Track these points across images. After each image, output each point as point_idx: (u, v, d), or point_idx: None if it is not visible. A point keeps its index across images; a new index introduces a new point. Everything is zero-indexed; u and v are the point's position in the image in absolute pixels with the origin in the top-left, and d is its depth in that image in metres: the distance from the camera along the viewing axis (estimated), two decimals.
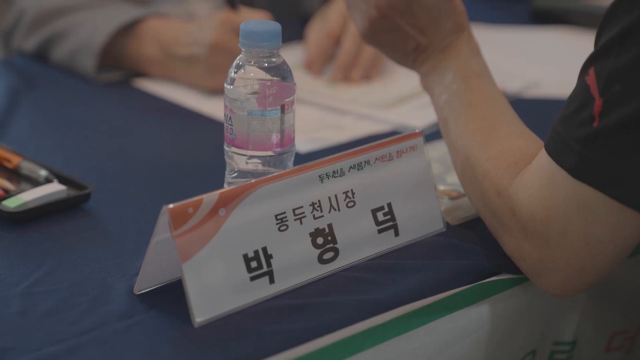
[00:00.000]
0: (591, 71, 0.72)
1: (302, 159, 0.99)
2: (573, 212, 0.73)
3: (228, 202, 0.75)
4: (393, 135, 0.89)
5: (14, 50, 1.36)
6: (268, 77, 0.86)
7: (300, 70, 1.33)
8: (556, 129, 0.75)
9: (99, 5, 1.31)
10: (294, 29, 1.44)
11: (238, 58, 0.87)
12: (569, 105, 0.75)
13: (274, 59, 0.86)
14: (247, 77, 0.86)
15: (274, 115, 0.86)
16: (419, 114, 1.20)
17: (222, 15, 1.24)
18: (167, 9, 1.55)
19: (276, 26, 0.86)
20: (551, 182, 0.74)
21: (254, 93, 0.86)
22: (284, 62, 0.87)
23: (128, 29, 1.28)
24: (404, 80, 1.28)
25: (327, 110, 1.22)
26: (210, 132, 1.13)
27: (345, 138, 1.13)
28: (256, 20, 0.87)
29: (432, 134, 1.09)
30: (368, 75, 1.31)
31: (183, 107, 1.21)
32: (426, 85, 0.97)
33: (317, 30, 1.36)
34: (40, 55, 1.33)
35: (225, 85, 0.87)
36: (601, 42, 0.72)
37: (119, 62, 1.30)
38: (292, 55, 1.32)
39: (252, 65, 0.86)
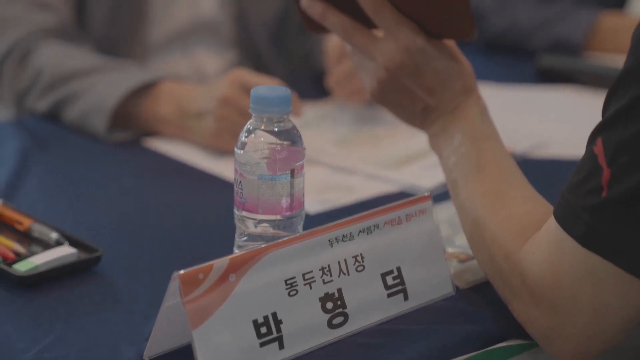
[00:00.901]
0: (599, 141, 0.73)
1: (311, 220, 1.00)
2: (582, 279, 0.73)
3: (238, 268, 0.76)
4: (402, 196, 0.89)
5: (26, 110, 1.38)
6: (278, 141, 0.87)
7: (308, 129, 1.34)
8: (565, 196, 0.75)
9: (115, 68, 1.34)
10: (306, 85, 1.46)
11: (249, 123, 0.88)
12: (577, 173, 0.75)
13: (284, 124, 0.87)
14: (257, 141, 0.87)
15: (283, 179, 0.87)
16: (428, 173, 1.20)
17: (232, 74, 1.27)
18: (174, 60, 1.58)
19: (286, 92, 0.87)
20: (560, 249, 0.75)
21: (264, 158, 0.87)
22: (293, 127, 0.88)
23: (143, 89, 1.30)
24: (411, 139, 1.29)
25: (336, 170, 1.23)
26: (220, 193, 1.14)
27: (354, 199, 1.13)
28: (267, 86, 0.88)
29: (441, 195, 1.09)
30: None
31: (193, 167, 1.22)
32: (435, 146, 0.98)
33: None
34: (52, 116, 1.35)
35: (236, 149, 0.88)
36: (609, 112, 0.73)
37: (131, 121, 1.31)
38: (306, 114, 1.34)
39: (262, 130, 0.87)
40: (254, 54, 1.62)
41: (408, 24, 0.94)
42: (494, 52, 1.72)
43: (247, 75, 1.27)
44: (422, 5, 0.94)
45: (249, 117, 1.22)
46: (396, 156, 1.26)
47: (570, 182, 0.76)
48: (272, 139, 0.87)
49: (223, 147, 1.25)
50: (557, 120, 1.40)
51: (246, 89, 1.24)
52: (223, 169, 1.21)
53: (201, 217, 1.09)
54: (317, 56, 1.61)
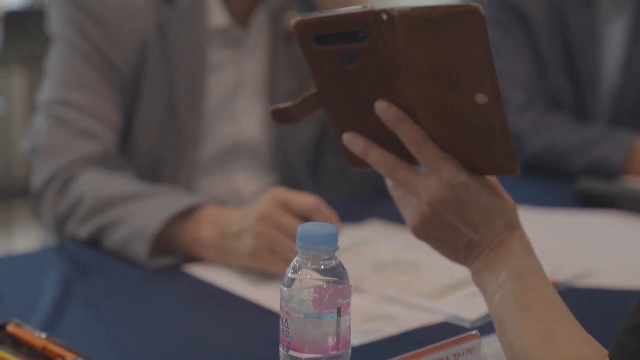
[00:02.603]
0: None
1: (354, 352, 0.98)
2: None
3: None
4: (445, 326, 0.88)
5: (67, 236, 1.39)
6: (324, 279, 0.86)
7: (346, 254, 1.33)
8: (621, 339, 0.74)
9: (155, 194, 1.35)
10: (342, 208, 1.46)
11: (295, 260, 0.88)
12: (633, 315, 0.74)
13: (330, 261, 0.87)
14: (303, 279, 0.86)
15: (330, 318, 0.86)
16: (470, 303, 1.19)
17: (270, 192, 1.27)
18: (214, 182, 1.59)
19: (333, 229, 0.87)
20: None
21: (311, 296, 0.86)
22: (340, 264, 0.88)
23: (183, 214, 1.31)
24: (452, 266, 1.27)
25: (376, 298, 1.22)
26: (260, 321, 1.13)
27: (397, 330, 1.12)
28: (313, 223, 0.88)
29: (485, 326, 1.08)
30: None
31: (233, 294, 1.22)
32: (478, 282, 0.97)
33: None
34: (94, 242, 1.35)
35: (282, 287, 0.87)
36: None
37: (171, 246, 1.32)
38: (344, 237, 1.33)
39: (308, 267, 0.87)
40: (291, 177, 1.64)
41: (450, 160, 0.95)
42: (531, 174, 1.73)
43: (285, 193, 1.27)
44: (463, 142, 0.94)
45: (287, 234, 1.24)
46: (438, 284, 1.25)
47: (626, 325, 0.74)
48: (319, 276, 0.86)
49: (262, 266, 1.24)
50: (599, 247, 1.39)
51: (284, 207, 1.24)
52: (264, 296, 1.20)
53: (243, 349, 1.07)
54: (353, 179, 1.62)
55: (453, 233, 0.96)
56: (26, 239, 4.11)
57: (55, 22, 1.50)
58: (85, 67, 1.46)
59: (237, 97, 1.59)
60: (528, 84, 1.79)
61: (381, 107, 0.96)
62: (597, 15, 1.78)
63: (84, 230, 1.35)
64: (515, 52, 1.79)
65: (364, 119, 0.98)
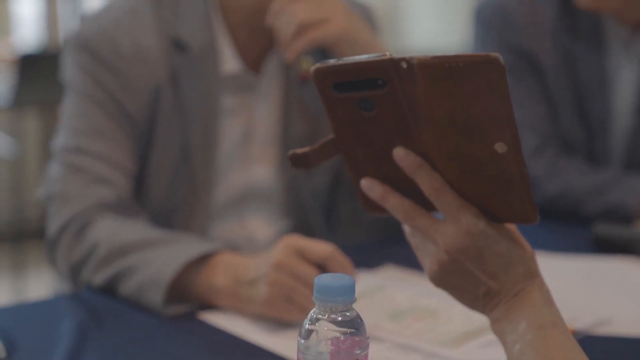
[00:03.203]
0: None
1: None
2: None
3: None
4: None
5: (83, 284, 1.39)
6: (342, 331, 0.86)
7: (361, 300, 1.32)
8: None
9: (169, 240, 1.35)
10: (356, 253, 1.46)
11: (312, 311, 0.87)
12: None
13: (347, 313, 0.86)
14: (321, 331, 0.86)
15: None
16: (488, 352, 1.17)
17: (286, 239, 1.27)
18: (227, 227, 1.59)
19: (350, 281, 0.87)
20: None
21: (328, 348, 0.85)
22: (357, 316, 0.87)
23: (198, 261, 1.30)
24: (469, 313, 1.26)
25: (393, 347, 1.21)
26: None
27: None
28: (331, 275, 0.88)
29: None
30: None
31: (248, 342, 1.21)
32: (498, 331, 0.96)
33: None
34: (109, 289, 1.35)
35: (299, 338, 0.87)
36: None
37: (186, 293, 1.31)
38: (359, 283, 1.32)
39: (326, 319, 0.86)
40: (304, 222, 1.63)
41: (469, 207, 0.94)
42: (546, 218, 1.71)
43: (300, 240, 1.27)
44: (482, 190, 0.94)
45: (302, 282, 1.24)
46: (455, 332, 1.24)
47: None
48: (336, 328, 0.86)
49: (277, 315, 1.23)
50: (616, 294, 1.37)
51: (300, 255, 1.24)
52: (279, 344, 1.19)
53: None
54: (367, 224, 1.62)
55: (472, 281, 0.95)
56: (39, 281, 4.11)
57: (69, 70, 1.51)
58: (99, 114, 1.47)
59: (250, 143, 1.59)
60: (541, 128, 1.79)
61: (399, 154, 0.95)
62: (607, 59, 1.79)
63: (99, 278, 1.35)
64: (527, 96, 1.79)
65: (382, 164, 0.98)
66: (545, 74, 1.79)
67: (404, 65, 0.89)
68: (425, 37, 5.69)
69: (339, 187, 1.68)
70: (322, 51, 1.59)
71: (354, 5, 1.64)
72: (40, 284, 4.04)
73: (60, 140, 1.49)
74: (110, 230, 1.38)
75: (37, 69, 3.61)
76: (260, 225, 1.62)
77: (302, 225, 1.63)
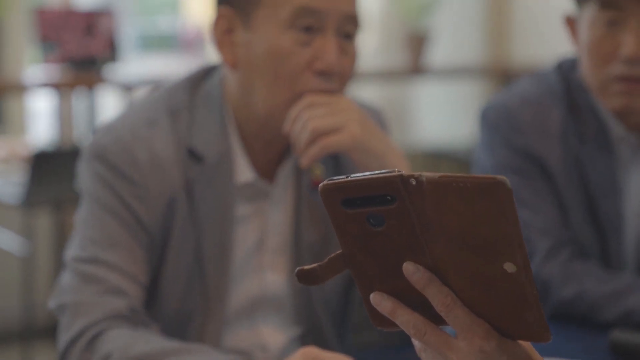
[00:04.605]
0: None
1: None
2: None
3: None
4: None
5: None
6: None
7: None
8: None
9: (184, 351, 1.33)
10: None
11: None
12: None
13: None
14: None
15: None
16: None
17: (302, 351, 1.27)
18: (239, 337, 1.57)
19: None
20: None
21: None
22: None
23: None
24: None
25: None
26: None
27: None
28: None
29: None
30: None
31: None
32: None
33: None
34: None
35: None
36: None
37: None
38: None
39: None
40: (316, 329, 1.61)
41: (481, 324, 0.93)
42: (562, 323, 1.69)
43: (316, 352, 1.26)
44: (493, 306, 0.93)
45: None
46: None
47: None
48: None
49: None
50: None
51: None
52: None
53: None
54: (380, 330, 1.59)
55: None
56: None
57: (85, 179, 1.52)
58: (114, 224, 1.46)
59: (262, 250, 1.59)
60: (553, 231, 1.77)
61: (409, 269, 0.95)
62: (616, 163, 1.78)
63: None
64: (536, 199, 1.78)
65: (392, 279, 0.97)
66: (555, 177, 1.78)
67: (413, 182, 0.89)
68: (433, 132, 5.74)
69: (350, 291, 1.66)
70: (334, 158, 1.60)
71: (364, 108, 1.65)
72: None
73: (74, 250, 1.49)
74: (124, 341, 1.36)
75: (50, 167, 3.63)
76: (272, 332, 1.60)
77: (314, 332, 1.61)
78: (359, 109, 1.50)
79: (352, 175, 0.93)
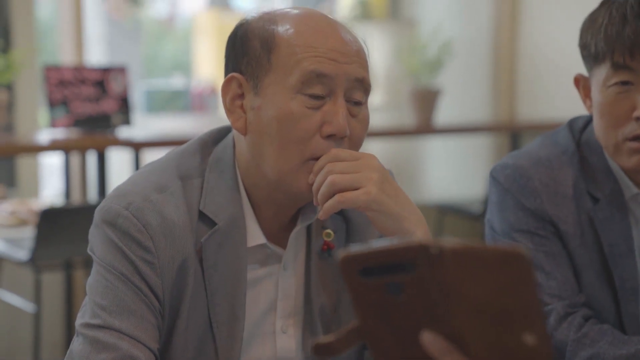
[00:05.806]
0: None
1: None
2: None
3: None
4: None
5: None
6: None
7: None
8: None
9: None
10: None
11: None
12: None
13: None
14: None
15: None
16: None
17: None
18: None
19: None
20: None
21: None
22: None
23: None
24: None
25: None
26: None
27: None
28: None
29: None
30: None
31: None
32: None
33: None
34: None
35: None
36: None
37: None
38: None
39: None
40: None
41: None
42: None
43: None
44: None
45: None
46: None
47: None
48: None
49: None
50: None
51: None
52: None
53: None
54: None
55: None
56: None
57: (96, 244, 1.51)
58: (125, 290, 1.45)
59: (273, 314, 1.57)
60: (568, 294, 1.76)
61: (428, 339, 0.94)
62: (629, 224, 1.77)
63: None
64: (550, 263, 1.77)
65: (409, 347, 0.96)
66: (568, 239, 1.77)
67: (434, 251, 0.89)
68: (442, 187, 5.74)
69: (364, 357, 1.64)
70: (345, 222, 1.59)
71: None
72: None
73: (85, 316, 1.48)
74: None
75: (57, 224, 3.63)
76: None
77: None
78: (382, 168, 1.50)
79: (371, 244, 0.93)
